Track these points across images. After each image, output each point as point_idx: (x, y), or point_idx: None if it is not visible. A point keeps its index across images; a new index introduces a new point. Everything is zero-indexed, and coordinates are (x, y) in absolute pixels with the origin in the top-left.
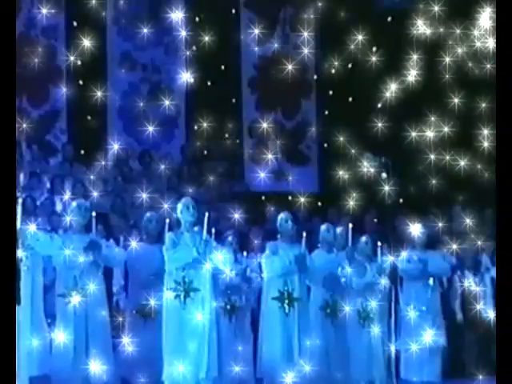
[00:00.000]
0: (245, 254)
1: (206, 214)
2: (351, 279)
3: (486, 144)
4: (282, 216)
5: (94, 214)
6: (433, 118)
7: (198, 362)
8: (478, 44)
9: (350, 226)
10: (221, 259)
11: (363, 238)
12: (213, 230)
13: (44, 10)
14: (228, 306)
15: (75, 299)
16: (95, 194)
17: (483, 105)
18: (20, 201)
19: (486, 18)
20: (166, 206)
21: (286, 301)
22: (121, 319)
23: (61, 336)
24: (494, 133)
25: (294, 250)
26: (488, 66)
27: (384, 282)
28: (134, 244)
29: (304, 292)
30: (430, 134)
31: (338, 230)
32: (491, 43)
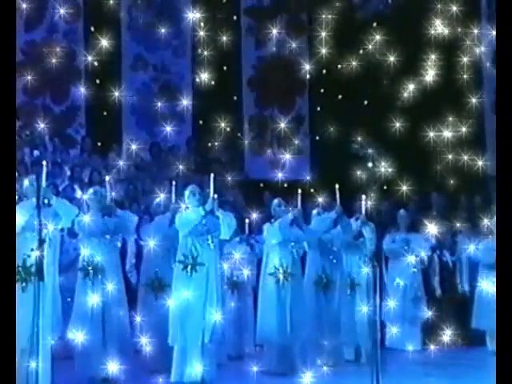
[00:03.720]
0: (245, 234)
1: (212, 175)
2: (339, 237)
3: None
4: (275, 201)
5: (107, 178)
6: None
7: (204, 328)
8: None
9: (337, 186)
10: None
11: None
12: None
13: (62, 11)
14: (232, 280)
15: (93, 273)
16: (110, 181)
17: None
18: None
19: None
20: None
21: (281, 276)
22: (133, 294)
23: (80, 308)
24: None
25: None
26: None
27: (368, 236)
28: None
29: (298, 268)
30: (410, 126)
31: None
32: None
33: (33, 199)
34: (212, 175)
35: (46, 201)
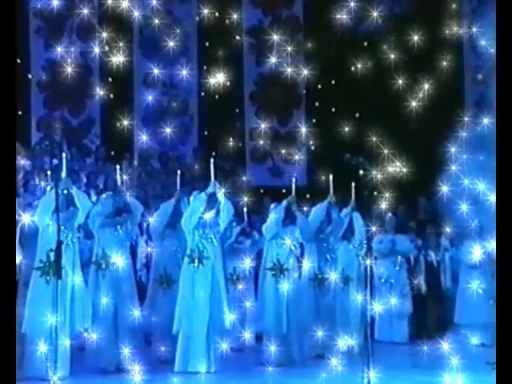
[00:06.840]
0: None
1: (212, 161)
2: (333, 232)
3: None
4: (272, 206)
5: (117, 167)
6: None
7: (208, 320)
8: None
9: (331, 177)
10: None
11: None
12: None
13: (79, 30)
14: (234, 276)
15: (105, 268)
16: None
17: None
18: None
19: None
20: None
21: (279, 271)
22: (143, 291)
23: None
24: None
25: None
26: None
27: (359, 223)
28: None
29: (295, 263)
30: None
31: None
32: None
33: (53, 191)
34: (212, 161)
35: (65, 191)
